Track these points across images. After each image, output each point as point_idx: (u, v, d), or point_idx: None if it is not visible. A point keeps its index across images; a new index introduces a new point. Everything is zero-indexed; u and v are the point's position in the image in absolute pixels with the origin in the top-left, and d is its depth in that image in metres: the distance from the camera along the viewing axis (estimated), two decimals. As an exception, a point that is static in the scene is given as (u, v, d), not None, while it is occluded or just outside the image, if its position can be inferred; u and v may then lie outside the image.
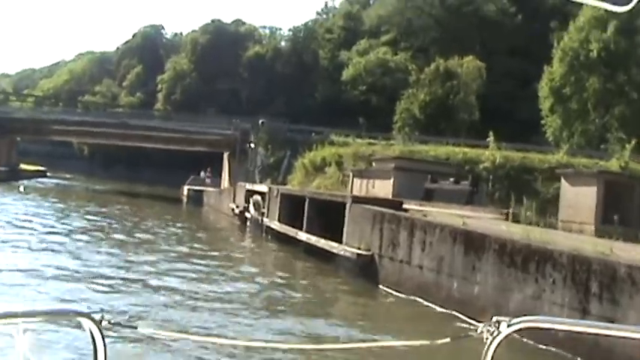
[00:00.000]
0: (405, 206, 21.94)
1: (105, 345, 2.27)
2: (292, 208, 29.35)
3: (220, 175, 72.28)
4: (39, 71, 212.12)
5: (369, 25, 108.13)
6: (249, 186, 41.63)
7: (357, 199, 22.00)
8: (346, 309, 17.77)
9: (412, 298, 17.24)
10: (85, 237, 28.44)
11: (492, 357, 2.45)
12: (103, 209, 46.12)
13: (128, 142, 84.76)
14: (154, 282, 18.29)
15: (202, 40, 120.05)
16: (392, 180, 28.84)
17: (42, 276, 17.47)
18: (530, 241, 14.23)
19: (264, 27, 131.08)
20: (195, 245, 29.10)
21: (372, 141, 52.20)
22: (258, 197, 36.60)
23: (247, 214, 39.17)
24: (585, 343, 11.68)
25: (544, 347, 12.55)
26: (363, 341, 11.32)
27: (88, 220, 37.26)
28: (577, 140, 57.56)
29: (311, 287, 19.80)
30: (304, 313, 15.94)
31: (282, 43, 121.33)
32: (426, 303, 16.63)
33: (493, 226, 18.13)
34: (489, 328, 2.47)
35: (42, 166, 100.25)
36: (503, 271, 14.25)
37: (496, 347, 2.45)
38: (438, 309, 16.01)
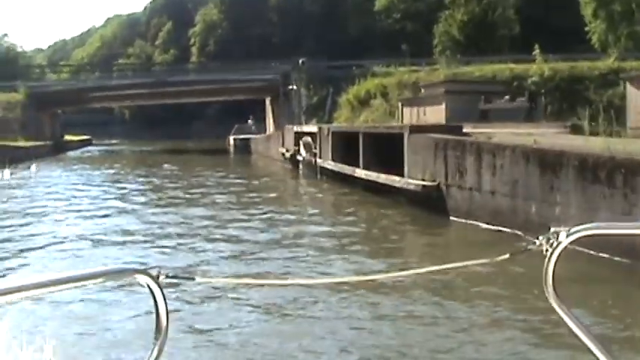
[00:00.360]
0: (464, 130, 20.96)
1: (165, 299, 2.20)
2: (345, 146, 28.48)
3: (264, 121, 71.61)
4: (71, 41, 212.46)
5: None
6: (297, 128, 40.60)
7: (414, 129, 20.81)
8: (420, 243, 17.01)
9: (486, 226, 16.37)
10: (141, 198, 27.92)
11: (554, 269, 2.32)
12: (154, 169, 45.61)
13: (168, 100, 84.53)
14: (217, 234, 17.69)
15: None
16: (443, 105, 27.82)
17: (105, 241, 17.24)
18: (613, 152, 13.16)
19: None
20: (252, 194, 28.30)
21: (415, 68, 50.88)
22: (308, 138, 35.63)
23: (298, 157, 38.21)
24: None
25: (606, 256, 12.23)
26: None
27: (141, 182, 36.58)
28: (624, 43, 55.56)
29: (378, 224, 18.85)
30: (379, 252, 15.18)
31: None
32: (502, 229, 15.70)
33: (562, 140, 17.12)
34: (549, 240, 2.33)
35: (86, 135, 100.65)
36: (586, 189, 13.25)
37: (557, 258, 2.32)
38: (517, 234, 15.14)
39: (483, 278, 11.39)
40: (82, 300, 10.63)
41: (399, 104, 34.20)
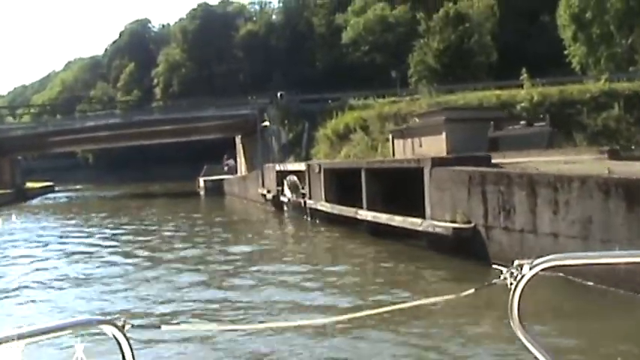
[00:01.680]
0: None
1: (132, 349, 2.28)
2: (341, 184, 25.78)
3: (236, 161, 68.55)
4: (30, 87, 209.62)
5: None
6: (279, 166, 37.62)
7: (438, 162, 17.87)
8: (467, 303, 12.82)
9: (548, 274, 12.82)
10: (111, 257, 24.40)
11: (519, 301, 2.42)
12: (121, 219, 41.35)
13: (132, 142, 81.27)
14: (206, 294, 15.13)
15: (191, 26, 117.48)
16: (443, 134, 24.93)
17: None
18: None
19: (253, 3, 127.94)
20: (235, 245, 25.01)
21: (394, 99, 48.54)
22: (293, 177, 32.80)
23: (283, 198, 35.42)
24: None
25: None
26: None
27: (108, 235, 31.84)
28: (605, 65, 54.63)
29: (402, 279, 15.55)
30: (418, 318, 11.55)
31: (274, 17, 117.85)
32: (570, 278, 12.31)
33: (621, 167, 14.21)
34: (512, 273, 2.46)
35: (49, 181, 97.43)
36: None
37: (521, 291, 2.43)
38: (597, 286, 12.17)
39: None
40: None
41: (390, 136, 31.27)
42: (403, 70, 69.75)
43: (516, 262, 2.45)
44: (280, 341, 10.74)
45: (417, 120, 30.17)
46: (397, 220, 18.79)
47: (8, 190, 65.65)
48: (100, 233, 31.89)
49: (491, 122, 24.16)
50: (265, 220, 36.37)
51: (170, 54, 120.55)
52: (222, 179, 63.58)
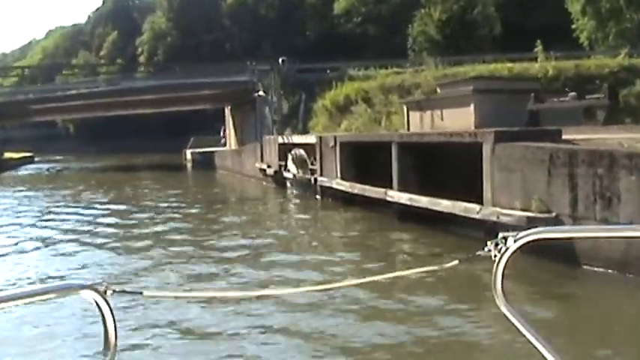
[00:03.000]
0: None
1: (113, 315, 2.28)
2: (361, 160, 22.98)
3: (225, 133, 65.41)
4: (10, 55, 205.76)
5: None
6: (283, 139, 34.38)
7: (501, 136, 15.03)
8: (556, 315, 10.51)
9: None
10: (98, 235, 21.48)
11: (502, 273, 2.43)
12: (101, 194, 37.97)
13: (115, 112, 77.90)
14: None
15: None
16: (471, 107, 22.09)
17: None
18: None
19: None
20: (232, 230, 21.37)
21: (397, 70, 46.00)
22: (300, 152, 29.90)
23: (286, 174, 32.43)
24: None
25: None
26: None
27: (79, 214, 28.14)
28: (613, 41, 52.74)
29: (455, 280, 12.00)
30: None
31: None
32: None
33: None
34: (497, 245, 2.44)
35: (28, 151, 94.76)
36: None
37: (505, 263, 2.43)
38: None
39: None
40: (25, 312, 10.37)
41: (404, 108, 28.31)
42: (397, 42, 67.72)
43: (501, 235, 2.42)
44: (261, 310, 10.74)
45: (438, 91, 27.35)
46: (444, 205, 15.72)
47: (-16, 161, 62.70)
48: (68, 213, 28.26)
49: (532, 94, 21.31)
50: (266, 199, 33.26)
51: (155, 22, 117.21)
52: (213, 152, 59.91)
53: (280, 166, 33.29)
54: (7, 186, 47.04)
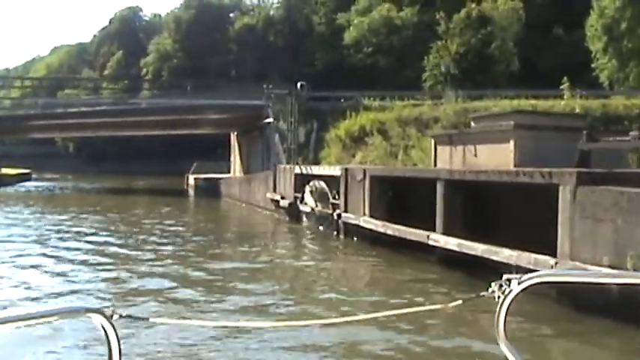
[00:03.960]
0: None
1: (118, 339, 2.28)
2: (393, 197, 21.08)
3: (229, 160, 63.40)
4: (14, 70, 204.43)
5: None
6: (301, 169, 32.07)
7: (587, 178, 12.76)
8: None
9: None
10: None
11: (505, 315, 2.46)
12: (93, 222, 33.82)
13: (117, 132, 76.23)
14: None
15: (186, 16, 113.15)
16: (511, 143, 20.17)
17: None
18: None
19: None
20: (240, 279, 17.23)
21: (413, 102, 44.29)
22: (320, 184, 27.83)
23: (303, 207, 30.19)
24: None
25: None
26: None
27: (72, 239, 26.52)
28: (634, 82, 51.59)
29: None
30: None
31: (271, 12, 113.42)
32: None
33: None
34: (501, 287, 2.48)
35: (26, 168, 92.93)
36: None
37: (508, 306, 2.46)
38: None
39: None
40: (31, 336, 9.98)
41: (431, 141, 26.33)
42: (408, 74, 66.43)
43: (505, 277, 2.45)
44: (265, 340, 10.62)
45: (472, 124, 25.40)
46: (505, 255, 13.42)
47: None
48: (58, 238, 26.16)
49: (584, 131, 19.29)
50: (278, 235, 30.50)
51: (162, 43, 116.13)
52: (218, 178, 57.74)
53: (296, 198, 31.16)
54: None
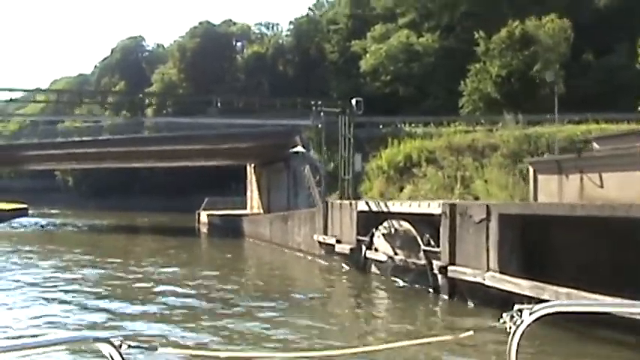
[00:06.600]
0: None
1: None
2: (534, 244, 15.31)
3: (245, 194, 57.85)
4: (13, 103, 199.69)
5: (382, 8, 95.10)
6: (368, 205, 25.72)
7: None
8: None
9: None
10: None
11: (517, 346, 2.47)
12: (90, 272, 27.51)
13: (119, 163, 70.90)
14: None
15: (191, 44, 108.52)
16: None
17: None
18: None
19: (260, 24, 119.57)
20: None
21: (462, 128, 39.49)
22: (403, 225, 21.76)
23: (373, 255, 24.10)
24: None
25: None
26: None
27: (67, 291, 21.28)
28: None
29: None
30: None
31: (280, 41, 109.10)
32: None
33: None
34: (512, 317, 2.50)
35: (22, 202, 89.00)
36: None
37: (520, 336, 2.47)
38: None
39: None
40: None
41: (530, 169, 20.72)
42: (429, 103, 62.38)
43: (517, 307, 2.48)
44: None
45: (595, 146, 19.93)
46: None
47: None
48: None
49: None
50: (336, 296, 22.72)
51: (166, 73, 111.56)
52: (239, 215, 51.16)
53: (359, 242, 25.14)
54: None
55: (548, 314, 2.42)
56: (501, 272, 15.78)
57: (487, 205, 17.11)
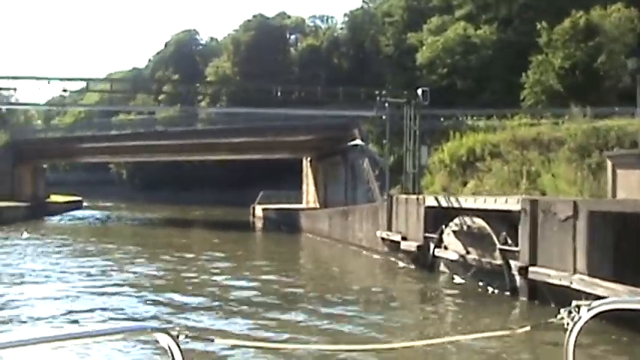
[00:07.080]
0: None
1: (184, 359, 2.26)
2: (624, 245, 14.10)
3: (300, 188, 57.07)
4: (69, 97, 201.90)
5: (438, 0, 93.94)
6: (437, 200, 24.76)
7: None
8: None
9: None
10: None
11: (575, 342, 2.43)
12: (144, 267, 25.91)
13: (173, 156, 70.68)
14: None
15: (245, 38, 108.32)
16: None
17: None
18: None
19: (314, 17, 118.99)
20: None
21: (526, 121, 38.36)
22: (476, 222, 20.69)
23: (441, 253, 23.10)
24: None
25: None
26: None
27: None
28: None
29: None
30: None
31: (335, 34, 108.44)
32: None
33: None
34: (570, 313, 2.47)
35: (77, 195, 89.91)
36: None
37: (578, 332, 2.44)
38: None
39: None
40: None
41: (609, 163, 19.46)
42: (486, 96, 61.15)
43: (574, 303, 2.43)
44: None
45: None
46: None
47: (24, 204, 55.01)
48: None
49: None
50: (403, 296, 21.30)
51: (220, 67, 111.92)
52: (296, 209, 50.24)
53: (427, 239, 24.14)
54: (32, 239, 38.48)
55: (607, 311, 2.37)
56: (590, 275, 14.54)
57: (574, 202, 15.72)
